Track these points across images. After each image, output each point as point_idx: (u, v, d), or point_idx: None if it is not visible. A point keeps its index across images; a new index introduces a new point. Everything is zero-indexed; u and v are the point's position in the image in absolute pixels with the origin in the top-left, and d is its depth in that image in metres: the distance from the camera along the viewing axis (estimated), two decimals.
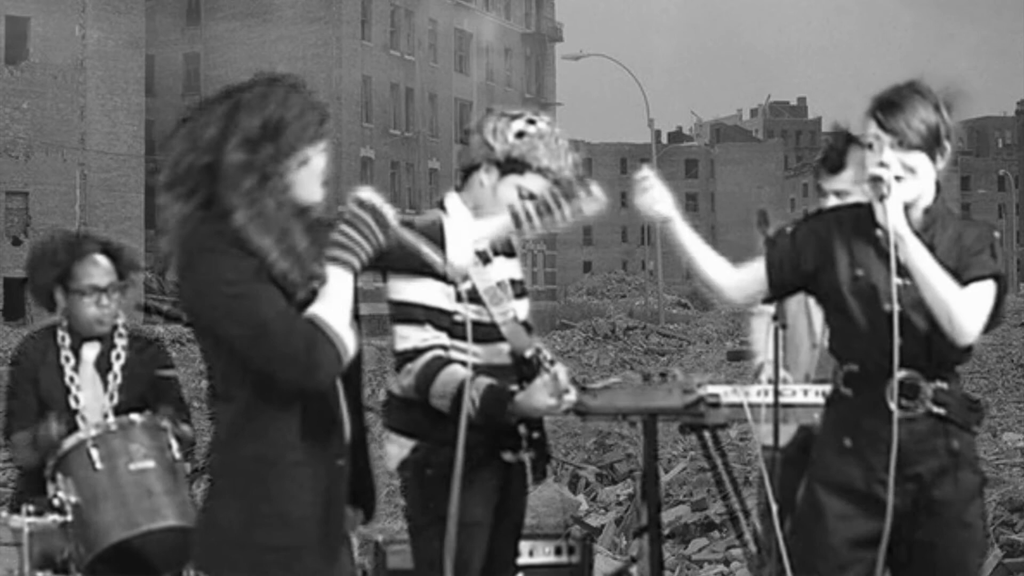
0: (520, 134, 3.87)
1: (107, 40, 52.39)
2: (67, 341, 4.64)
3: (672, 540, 8.55)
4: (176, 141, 2.90)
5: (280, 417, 2.86)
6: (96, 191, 52.11)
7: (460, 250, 3.25)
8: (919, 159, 3.48)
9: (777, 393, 4.18)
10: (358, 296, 2.98)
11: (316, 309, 2.80)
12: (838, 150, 4.59)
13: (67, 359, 4.62)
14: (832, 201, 4.52)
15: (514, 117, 3.91)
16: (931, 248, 3.48)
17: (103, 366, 4.65)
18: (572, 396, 3.86)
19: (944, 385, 3.50)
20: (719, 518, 8.55)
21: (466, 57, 71.78)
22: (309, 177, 2.92)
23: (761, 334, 4.75)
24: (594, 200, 3.30)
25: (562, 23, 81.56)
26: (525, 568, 4.60)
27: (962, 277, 3.46)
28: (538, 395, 3.75)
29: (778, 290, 3.69)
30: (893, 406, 3.47)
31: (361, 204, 2.87)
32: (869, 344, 3.50)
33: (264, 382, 2.82)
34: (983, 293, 3.47)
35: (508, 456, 3.95)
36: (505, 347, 3.91)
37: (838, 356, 3.61)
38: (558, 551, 4.70)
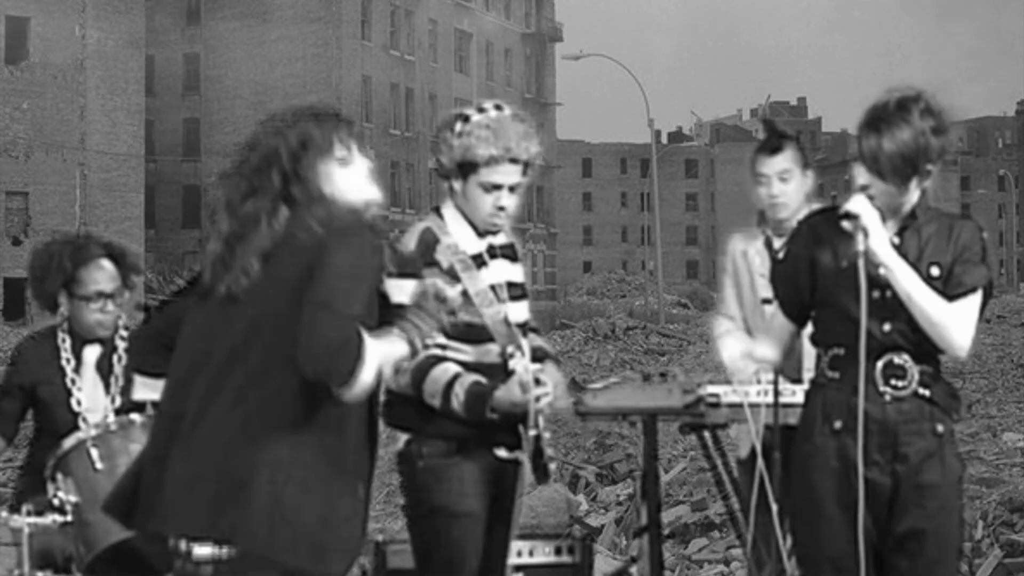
0: (460, 135, 3.96)
1: (107, 40, 52.40)
2: (68, 343, 4.63)
3: (672, 540, 8.55)
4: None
5: (337, 428, 3.14)
6: (96, 191, 52.12)
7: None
8: (894, 185, 3.53)
9: (777, 393, 4.19)
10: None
11: (371, 338, 3.07)
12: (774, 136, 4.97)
13: (68, 361, 4.61)
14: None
15: (456, 118, 4.00)
16: (919, 241, 3.58)
17: (104, 368, 4.64)
18: (545, 388, 3.92)
19: (929, 368, 3.58)
20: (719, 518, 8.55)
21: (466, 57, 71.78)
22: (355, 176, 3.29)
23: (729, 347, 4.86)
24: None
25: (562, 23, 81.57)
26: (525, 568, 4.61)
27: (957, 286, 3.56)
28: (514, 388, 3.85)
29: (799, 319, 3.74)
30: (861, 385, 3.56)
31: (425, 295, 3.23)
32: (853, 329, 3.55)
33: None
34: (973, 306, 3.57)
35: (503, 453, 3.99)
36: (494, 347, 3.96)
37: (822, 344, 3.67)
38: (558, 551, 4.70)
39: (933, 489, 3.54)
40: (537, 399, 3.89)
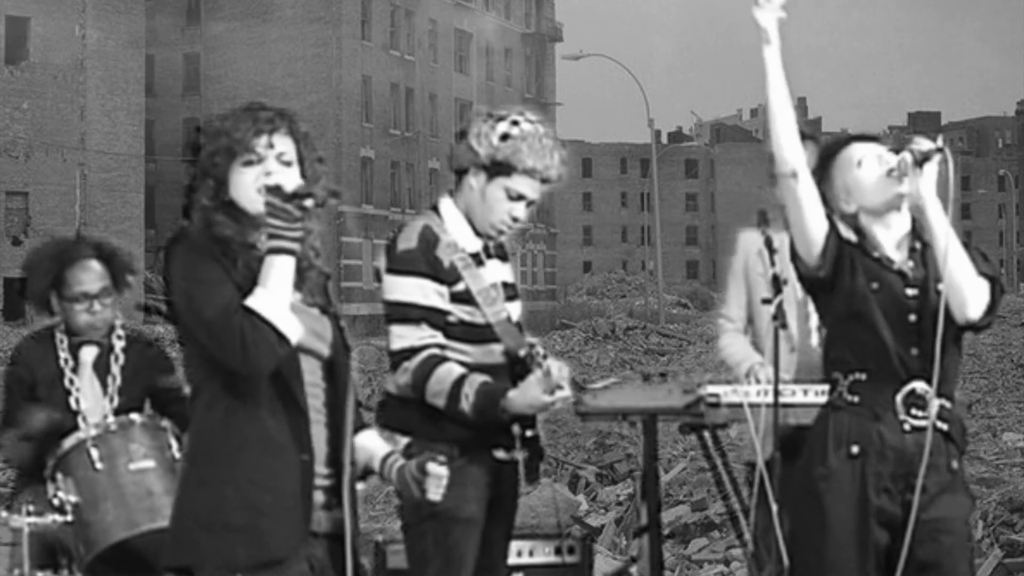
0: (504, 136, 3.85)
1: (107, 40, 52.41)
2: (65, 343, 4.63)
3: (672, 540, 8.55)
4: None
5: (245, 409, 3.00)
6: (96, 191, 52.12)
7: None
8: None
9: (777, 393, 4.19)
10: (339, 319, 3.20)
11: (254, 300, 2.95)
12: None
13: (66, 361, 4.61)
14: None
15: (500, 119, 3.89)
16: (928, 258, 3.63)
17: (102, 369, 4.64)
18: (566, 392, 3.86)
19: (948, 404, 3.58)
20: (719, 518, 8.55)
21: (466, 57, 71.77)
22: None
23: (737, 346, 4.85)
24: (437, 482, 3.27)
25: (562, 23, 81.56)
26: (525, 568, 4.61)
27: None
28: (532, 391, 3.73)
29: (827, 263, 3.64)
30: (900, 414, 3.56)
31: (272, 191, 2.99)
32: (883, 353, 3.55)
33: (229, 374, 2.98)
34: (986, 287, 3.60)
35: (501, 454, 3.93)
36: (498, 347, 3.90)
37: (841, 368, 3.64)
38: (558, 551, 4.70)
39: (949, 523, 3.54)
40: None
